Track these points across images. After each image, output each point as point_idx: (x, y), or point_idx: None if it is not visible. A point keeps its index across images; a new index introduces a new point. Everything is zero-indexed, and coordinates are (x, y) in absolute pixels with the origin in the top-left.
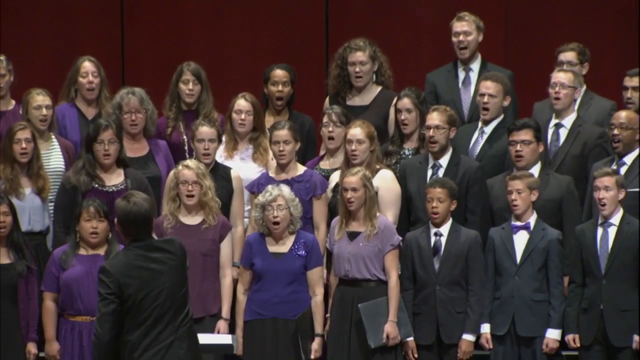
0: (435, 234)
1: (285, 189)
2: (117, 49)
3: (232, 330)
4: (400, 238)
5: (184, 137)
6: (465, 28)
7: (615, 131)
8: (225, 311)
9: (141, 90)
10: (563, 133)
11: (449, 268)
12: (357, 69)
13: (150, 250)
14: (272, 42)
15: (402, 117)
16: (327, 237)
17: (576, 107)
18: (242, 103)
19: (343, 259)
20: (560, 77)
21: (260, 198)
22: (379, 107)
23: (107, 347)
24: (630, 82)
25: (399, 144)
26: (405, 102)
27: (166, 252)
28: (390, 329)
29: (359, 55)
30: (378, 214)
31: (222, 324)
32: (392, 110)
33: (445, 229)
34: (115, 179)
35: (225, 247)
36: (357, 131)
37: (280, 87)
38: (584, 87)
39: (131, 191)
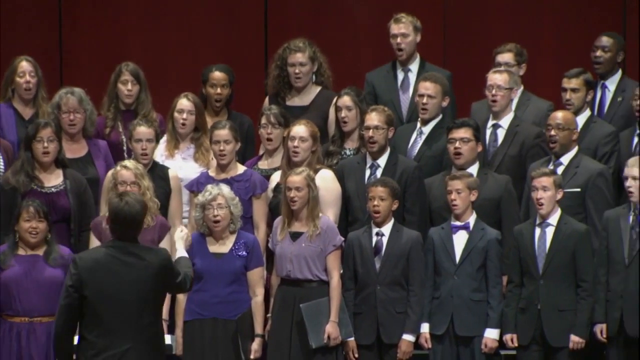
0: (377, 234)
1: (225, 188)
2: (55, 49)
3: (171, 330)
4: (343, 238)
5: (123, 137)
6: (402, 30)
7: (552, 132)
8: (165, 312)
9: (80, 90)
10: (501, 133)
11: (390, 268)
12: (297, 70)
13: (125, 254)
14: (211, 42)
15: (342, 115)
16: (270, 237)
17: (514, 107)
18: (184, 102)
19: (285, 259)
20: (496, 78)
21: (200, 198)
22: (318, 108)
23: (62, 340)
24: (569, 83)
25: (340, 143)
26: (345, 100)
27: (141, 259)
28: (331, 329)
29: (299, 57)
30: (321, 214)
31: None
32: (332, 110)
33: (386, 229)
34: (54, 180)
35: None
36: (301, 129)
37: (218, 90)
38: (522, 88)
39: (127, 190)
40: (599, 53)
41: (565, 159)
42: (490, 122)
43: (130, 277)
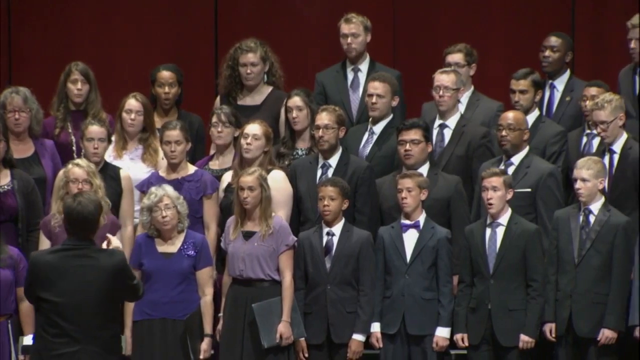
0: (328, 234)
1: (169, 188)
2: (4, 48)
3: (121, 331)
4: (295, 238)
5: (72, 137)
6: (353, 30)
7: (504, 132)
8: None
9: (26, 89)
10: (447, 133)
11: (340, 267)
12: (248, 70)
13: (79, 255)
14: (161, 42)
15: (293, 116)
16: (222, 236)
17: (463, 107)
18: (132, 103)
19: (237, 259)
20: (442, 79)
21: (146, 201)
22: (270, 107)
23: None
24: (517, 85)
25: (291, 144)
26: (296, 100)
27: (96, 260)
28: (283, 329)
29: (250, 57)
30: (273, 214)
31: None
32: (283, 110)
33: (337, 229)
34: (2, 180)
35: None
36: (255, 127)
37: (166, 89)
38: (472, 88)
39: (83, 191)
40: (547, 53)
41: (516, 159)
42: (437, 122)
43: (85, 279)
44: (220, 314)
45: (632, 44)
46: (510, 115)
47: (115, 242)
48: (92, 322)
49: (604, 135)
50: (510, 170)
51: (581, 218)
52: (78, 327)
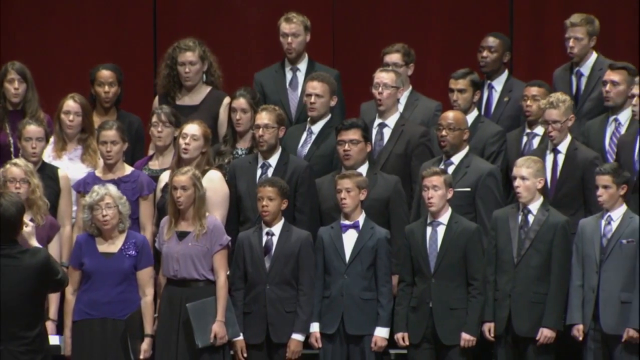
0: (267, 234)
1: (112, 188)
2: None
3: (60, 331)
4: (229, 238)
5: (10, 138)
6: (293, 29)
7: (444, 132)
8: (53, 312)
9: None
10: (387, 133)
11: (280, 267)
12: (187, 69)
13: (1, 256)
14: (99, 41)
15: (237, 117)
16: (156, 237)
17: (401, 107)
18: (70, 104)
19: (172, 259)
20: (382, 77)
21: (87, 199)
22: (208, 107)
23: None
24: (456, 85)
25: (232, 143)
26: (241, 102)
27: (19, 261)
28: (218, 328)
29: (189, 55)
30: (207, 214)
31: (49, 325)
32: (222, 110)
33: (276, 229)
34: None
35: (53, 248)
36: (194, 127)
37: (106, 88)
38: (410, 88)
39: (4, 192)
40: (485, 53)
41: (456, 159)
42: (377, 122)
43: (8, 280)
44: (156, 315)
45: (571, 43)
46: (450, 115)
47: (29, 227)
48: (17, 322)
49: (554, 135)
50: (450, 169)
51: (520, 218)
52: (4, 326)
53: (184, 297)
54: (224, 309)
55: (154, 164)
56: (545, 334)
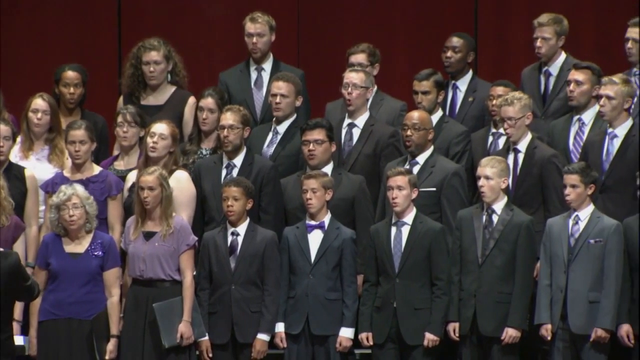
0: (232, 234)
1: (79, 188)
2: None
3: (25, 331)
4: (196, 238)
5: None
6: (258, 29)
7: (408, 132)
8: (17, 312)
9: None
10: (356, 133)
11: (245, 267)
12: (152, 68)
13: None
14: (64, 41)
15: (203, 116)
16: (122, 237)
17: (368, 107)
18: (39, 102)
19: (138, 259)
20: (352, 77)
21: (55, 198)
22: (173, 107)
23: None
24: (419, 86)
25: (197, 142)
26: (209, 102)
27: None
28: (184, 328)
29: (153, 55)
30: (174, 214)
31: (14, 326)
32: (187, 110)
33: (242, 229)
34: None
35: (18, 248)
36: (162, 126)
37: (71, 89)
38: (375, 88)
39: None
40: (449, 54)
41: (421, 159)
42: (346, 122)
43: None
44: (122, 315)
45: (538, 43)
46: (415, 115)
47: None
48: None
49: (510, 132)
50: (416, 169)
51: (484, 218)
52: None
53: (150, 297)
54: (191, 309)
55: (119, 164)
56: (510, 333)
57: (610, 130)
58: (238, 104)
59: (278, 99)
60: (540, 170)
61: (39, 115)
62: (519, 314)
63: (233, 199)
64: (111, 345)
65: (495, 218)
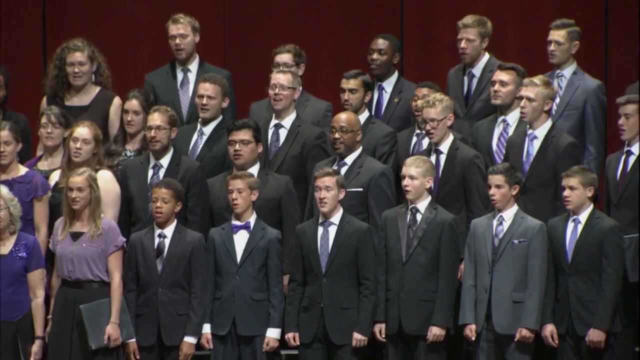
0: (159, 236)
1: (3, 189)
2: None
3: None
4: (124, 239)
5: None
6: (180, 30)
7: (337, 134)
8: None
9: None
10: (283, 133)
11: (172, 270)
12: (76, 69)
13: None
14: None
15: (129, 118)
16: (50, 238)
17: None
18: None
19: (66, 260)
20: (279, 78)
21: None
22: (98, 108)
23: None
24: (347, 84)
25: (122, 144)
26: (134, 104)
27: None
28: (112, 330)
29: (78, 55)
30: (103, 215)
31: None
32: (112, 110)
33: (169, 231)
34: None
35: None
36: (84, 131)
37: None
38: (300, 88)
39: None
40: (375, 56)
41: (349, 159)
42: (273, 122)
43: None
44: (50, 316)
45: (463, 44)
46: (343, 117)
47: None
48: None
49: (432, 133)
50: (343, 170)
51: (409, 217)
52: None
53: (78, 298)
54: (119, 310)
55: (42, 165)
56: (434, 332)
57: (530, 131)
58: (164, 105)
59: (205, 101)
60: (463, 171)
61: None
62: (444, 312)
63: (162, 201)
64: (36, 347)
65: (419, 217)
